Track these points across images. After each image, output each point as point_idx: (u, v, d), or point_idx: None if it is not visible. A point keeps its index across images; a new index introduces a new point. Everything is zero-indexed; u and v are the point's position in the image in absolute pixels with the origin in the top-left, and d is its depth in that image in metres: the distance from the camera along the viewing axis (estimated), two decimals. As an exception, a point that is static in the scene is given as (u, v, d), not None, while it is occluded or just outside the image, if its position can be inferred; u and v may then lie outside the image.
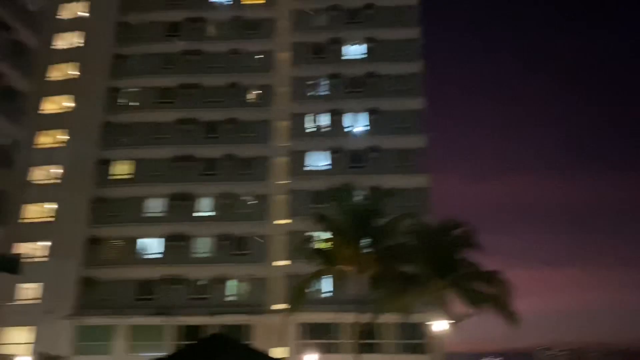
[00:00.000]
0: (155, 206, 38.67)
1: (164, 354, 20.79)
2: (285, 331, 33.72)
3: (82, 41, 42.57)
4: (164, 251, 37.60)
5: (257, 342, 30.11)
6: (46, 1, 33.72)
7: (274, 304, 34.78)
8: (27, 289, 34.90)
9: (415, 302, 25.11)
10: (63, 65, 41.97)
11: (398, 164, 37.43)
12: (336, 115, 39.55)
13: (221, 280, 36.47)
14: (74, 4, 43.73)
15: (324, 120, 39.74)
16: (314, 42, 41.53)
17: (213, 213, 38.28)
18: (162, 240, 37.76)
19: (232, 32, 42.46)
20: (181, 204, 38.39)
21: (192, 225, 37.77)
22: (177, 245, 37.45)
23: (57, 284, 35.82)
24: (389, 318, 27.70)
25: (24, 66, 30.80)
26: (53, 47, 42.05)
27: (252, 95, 41.33)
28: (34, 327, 34.94)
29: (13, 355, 32.43)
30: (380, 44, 40.88)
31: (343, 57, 41.30)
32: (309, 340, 33.57)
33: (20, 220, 36.51)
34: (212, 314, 34.21)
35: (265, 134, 39.91)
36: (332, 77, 40.49)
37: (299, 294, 26.81)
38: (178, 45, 42.16)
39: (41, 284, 35.79)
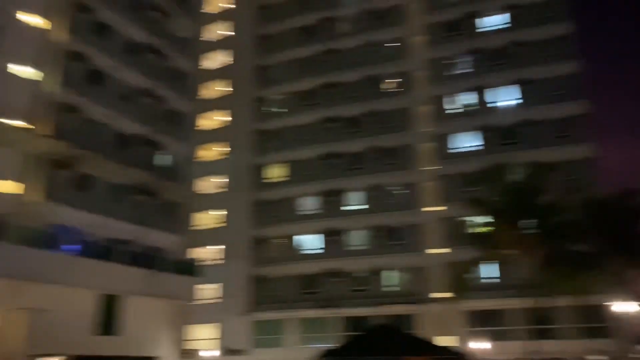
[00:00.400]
0: (309, 204, 40.34)
1: (333, 345, 21.61)
2: (451, 319, 33.00)
3: (229, 58, 45.76)
4: (322, 246, 39.05)
5: (422, 331, 29.86)
6: (194, 26, 36.68)
7: (436, 292, 34.19)
8: (208, 289, 38.34)
9: (592, 282, 23.03)
10: (214, 83, 45.45)
11: (556, 136, 34.40)
12: (481, 92, 37.66)
13: (379, 271, 36.83)
14: (217, 25, 47.12)
15: (468, 98, 38.06)
16: (448, 19, 40.00)
17: (364, 206, 38.77)
18: (319, 235, 39.20)
19: (364, 25, 42.56)
20: (333, 200, 39.53)
21: (345, 219, 38.63)
22: (333, 239, 38.65)
23: (233, 284, 39.18)
24: (564, 301, 25.75)
25: (182, 89, 33.91)
26: (202, 67, 45.68)
27: (390, 84, 41.07)
28: (217, 324, 38.50)
29: (199, 350, 35.93)
30: (523, 10, 37.98)
31: (481, 30, 39.19)
32: (477, 328, 32.51)
33: (192, 228, 40.39)
34: (374, 304, 34.71)
35: (407, 121, 39.41)
36: (472, 52, 38.60)
37: (461, 281, 26.14)
38: (314, 48, 43.40)
39: (220, 284, 39.27)
